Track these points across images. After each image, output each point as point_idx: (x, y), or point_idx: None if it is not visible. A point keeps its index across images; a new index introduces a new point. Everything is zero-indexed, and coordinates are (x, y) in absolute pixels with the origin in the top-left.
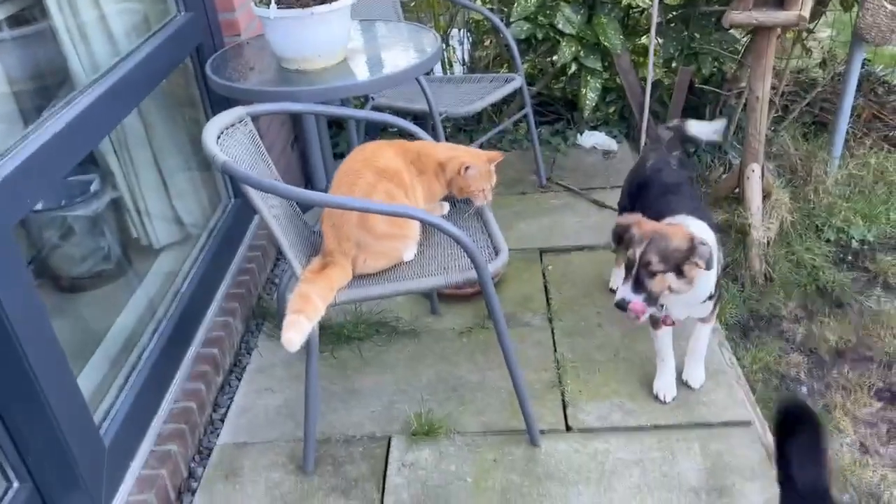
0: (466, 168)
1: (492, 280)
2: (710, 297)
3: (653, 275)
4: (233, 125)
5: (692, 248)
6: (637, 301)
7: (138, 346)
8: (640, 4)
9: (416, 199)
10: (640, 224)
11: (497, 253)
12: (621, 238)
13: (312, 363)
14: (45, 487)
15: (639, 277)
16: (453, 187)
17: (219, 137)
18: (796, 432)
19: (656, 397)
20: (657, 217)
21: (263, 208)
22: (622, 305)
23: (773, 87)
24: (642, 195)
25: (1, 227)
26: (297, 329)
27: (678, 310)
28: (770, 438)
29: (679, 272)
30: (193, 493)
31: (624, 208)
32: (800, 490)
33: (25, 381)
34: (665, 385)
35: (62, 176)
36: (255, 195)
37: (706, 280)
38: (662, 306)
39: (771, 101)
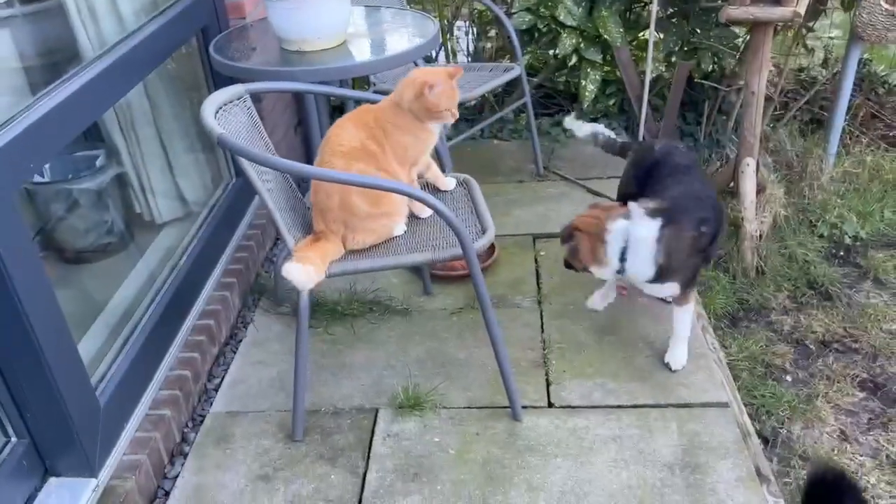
0: (430, 87)
1: (482, 261)
2: (670, 280)
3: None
4: (232, 102)
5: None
6: None
7: (136, 315)
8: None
9: (389, 165)
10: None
11: (484, 232)
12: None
13: (303, 332)
14: (42, 443)
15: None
16: (420, 114)
17: (217, 113)
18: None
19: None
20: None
21: (258, 182)
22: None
23: (773, 85)
24: (652, 177)
25: (4, 190)
26: (304, 264)
27: (638, 286)
28: (746, 419)
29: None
30: (185, 456)
31: (627, 195)
32: None
33: (26, 341)
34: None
35: (64, 145)
36: (249, 168)
37: (642, 265)
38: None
39: (770, 98)
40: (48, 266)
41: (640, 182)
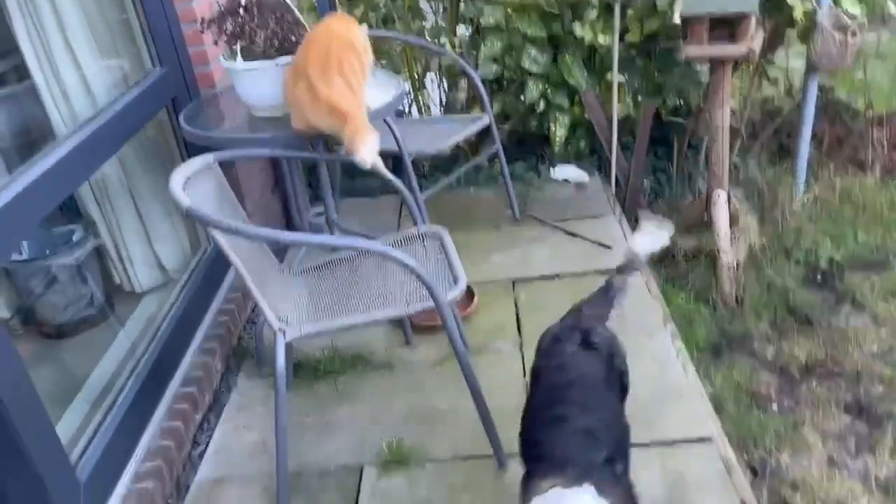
0: None
1: (461, 309)
2: None
3: None
4: (200, 171)
5: None
6: None
7: (117, 387)
8: (602, 44)
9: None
10: None
11: (456, 282)
12: None
13: (280, 399)
14: None
15: None
16: None
17: (185, 184)
18: None
19: None
20: None
21: (230, 252)
22: None
23: (736, 115)
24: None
25: None
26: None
27: None
28: (730, 452)
29: None
30: None
31: None
32: None
33: (2, 428)
34: None
35: (39, 221)
36: (220, 238)
37: None
38: None
39: (736, 130)
40: (28, 342)
41: None
